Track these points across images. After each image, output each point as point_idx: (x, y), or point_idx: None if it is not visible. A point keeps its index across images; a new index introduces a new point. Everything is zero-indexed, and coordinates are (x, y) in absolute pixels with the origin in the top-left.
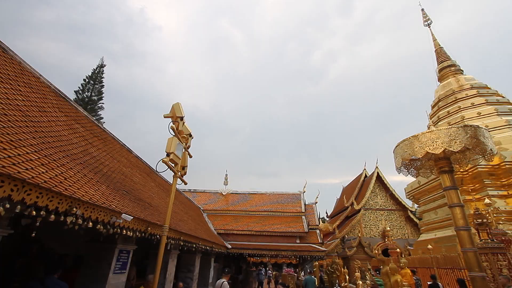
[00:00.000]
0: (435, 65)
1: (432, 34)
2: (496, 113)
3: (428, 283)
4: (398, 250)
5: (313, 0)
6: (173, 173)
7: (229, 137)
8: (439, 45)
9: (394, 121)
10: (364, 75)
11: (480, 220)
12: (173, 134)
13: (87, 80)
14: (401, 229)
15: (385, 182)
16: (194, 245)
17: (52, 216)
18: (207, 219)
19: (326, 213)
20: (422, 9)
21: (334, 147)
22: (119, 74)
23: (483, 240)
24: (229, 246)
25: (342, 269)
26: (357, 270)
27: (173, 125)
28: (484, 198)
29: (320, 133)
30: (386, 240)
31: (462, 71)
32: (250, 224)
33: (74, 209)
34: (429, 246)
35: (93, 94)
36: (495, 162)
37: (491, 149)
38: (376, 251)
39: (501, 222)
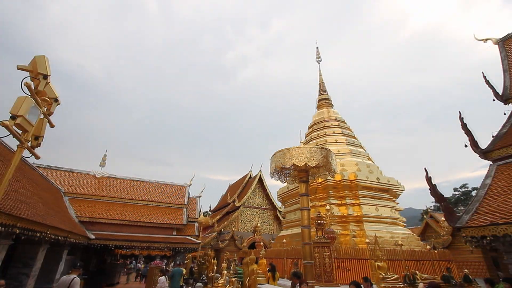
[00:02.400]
0: (317, 95)
1: (320, 70)
2: (346, 143)
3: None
4: (262, 243)
5: (238, 0)
6: (19, 142)
7: (120, 115)
8: (322, 80)
9: (282, 133)
10: (267, 88)
11: (319, 221)
12: (28, 93)
13: None
14: (269, 226)
15: (265, 184)
16: (39, 234)
17: None
18: (69, 204)
19: (210, 207)
20: (317, 47)
21: (229, 147)
22: None
23: (318, 237)
24: (92, 237)
25: (212, 260)
26: (224, 261)
27: (29, 82)
28: (326, 205)
29: (220, 131)
30: (255, 234)
31: (332, 105)
32: (125, 213)
33: None
34: (284, 241)
35: None
36: (338, 178)
37: (334, 169)
38: (244, 244)
39: (333, 223)
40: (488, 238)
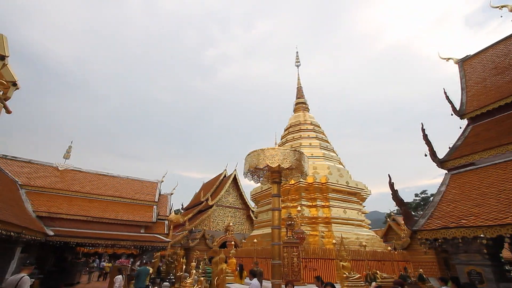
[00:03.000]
0: (294, 99)
1: (298, 74)
2: (319, 147)
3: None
4: (233, 242)
5: None
6: None
7: (90, 105)
8: (300, 84)
9: (258, 134)
10: (246, 88)
11: (290, 222)
12: None
13: None
14: (241, 225)
15: (239, 184)
16: None
17: None
18: (26, 197)
19: (182, 205)
20: (297, 52)
21: (205, 145)
22: None
23: (288, 237)
24: (51, 233)
25: (181, 259)
26: (194, 260)
27: None
28: (298, 206)
29: (196, 129)
30: (227, 234)
31: (309, 109)
32: (90, 209)
33: None
34: (255, 240)
35: None
36: (310, 181)
37: (306, 171)
38: (215, 243)
39: (303, 224)
40: (439, 240)
